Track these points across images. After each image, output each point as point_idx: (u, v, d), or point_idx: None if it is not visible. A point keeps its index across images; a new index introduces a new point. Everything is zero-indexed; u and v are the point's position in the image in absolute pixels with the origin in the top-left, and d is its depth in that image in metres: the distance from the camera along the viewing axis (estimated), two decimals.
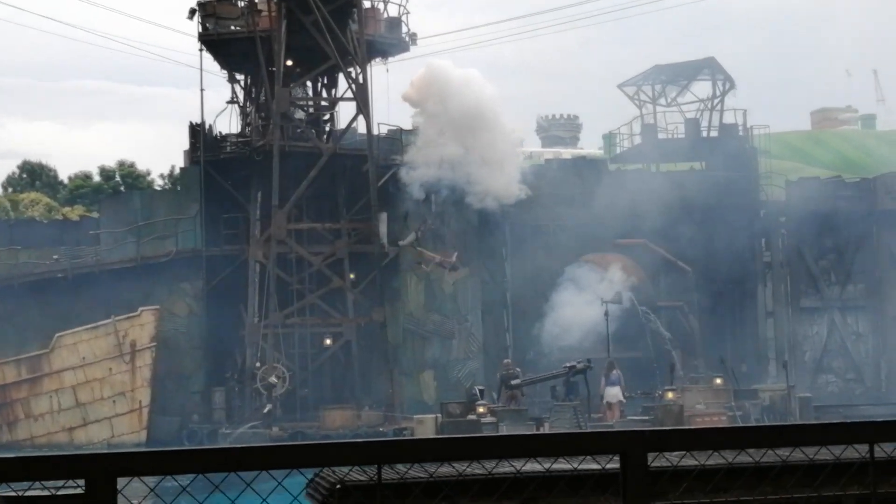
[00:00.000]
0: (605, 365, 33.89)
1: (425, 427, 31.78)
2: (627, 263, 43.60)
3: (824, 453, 4.66)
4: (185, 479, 3.56)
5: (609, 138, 57.40)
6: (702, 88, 50.50)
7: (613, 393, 33.11)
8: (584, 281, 41.19)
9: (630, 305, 40.99)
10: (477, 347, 42.65)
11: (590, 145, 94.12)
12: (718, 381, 35.62)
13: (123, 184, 63.20)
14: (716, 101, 49.36)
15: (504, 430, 29.09)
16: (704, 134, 48.71)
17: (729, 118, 48.89)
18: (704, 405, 33.26)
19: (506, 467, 4.51)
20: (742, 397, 34.84)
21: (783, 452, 4.49)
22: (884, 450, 4.24)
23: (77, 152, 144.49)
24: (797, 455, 4.24)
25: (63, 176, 70.41)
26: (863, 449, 4.17)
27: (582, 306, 39.61)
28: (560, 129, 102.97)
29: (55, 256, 42.33)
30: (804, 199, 44.58)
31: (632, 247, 44.18)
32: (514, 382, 34.68)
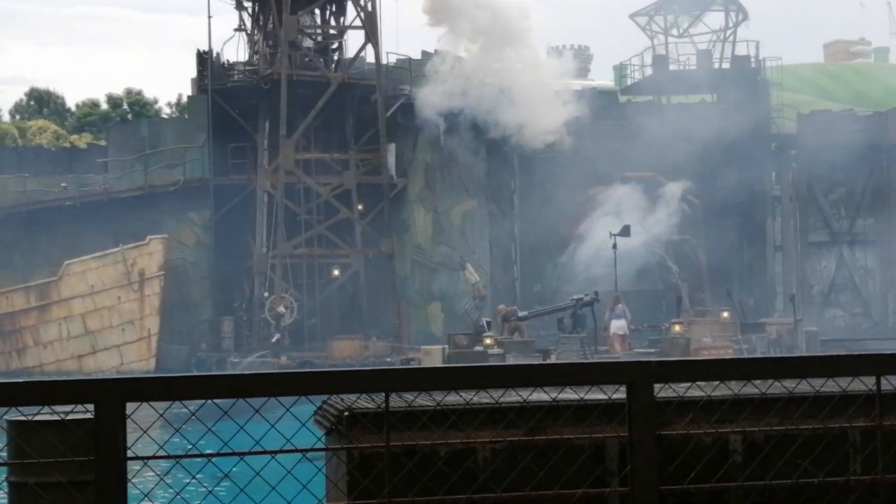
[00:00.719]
0: (611, 298, 33.98)
1: (432, 358, 31.99)
2: (635, 196, 43.47)
3: (831, 386, 4.68)
4: (193, 406, 3.58)
5: (620, 69, 56.94)
6: (714, 19, 50.04)
7: (619, 325, 33.21)
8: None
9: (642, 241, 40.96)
10: (485, 280, 42.74)
11: (601, 77, 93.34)
12: (725, 314, 35.75)
13: (131, 112, 63.00)
14: (728, 32, 48.91)
15: (511, 361, 29.24)
16: (717, 66, 48.32)
17: (741, 50, 48.51)
18: (711, 338, 33.41)
19: (512, 397, 4.53)
20: (749, 331, 34.98)
21: (789, 384, 4.50)
22: (891, 382, 4.25)
23: (85, 79, 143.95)
24: (803, 387, 4.26)
25: (71, 103, 70.25)
26: (869, 382, 4.18)
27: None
28: (571, 59, 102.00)
29: (63, 184, 42.36)
30: (816, 133, 44.30)
31: (641, 179, 44.03)
32: (521, 314, 34.80)
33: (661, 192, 44.11)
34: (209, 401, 3.47)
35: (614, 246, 37.20)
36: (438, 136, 42.07)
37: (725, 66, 48.15)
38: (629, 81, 52.06)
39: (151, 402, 3.42)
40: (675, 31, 50.38)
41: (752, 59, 48.11)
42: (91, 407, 3.30)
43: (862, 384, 4.54)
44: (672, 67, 49.10)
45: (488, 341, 32.31)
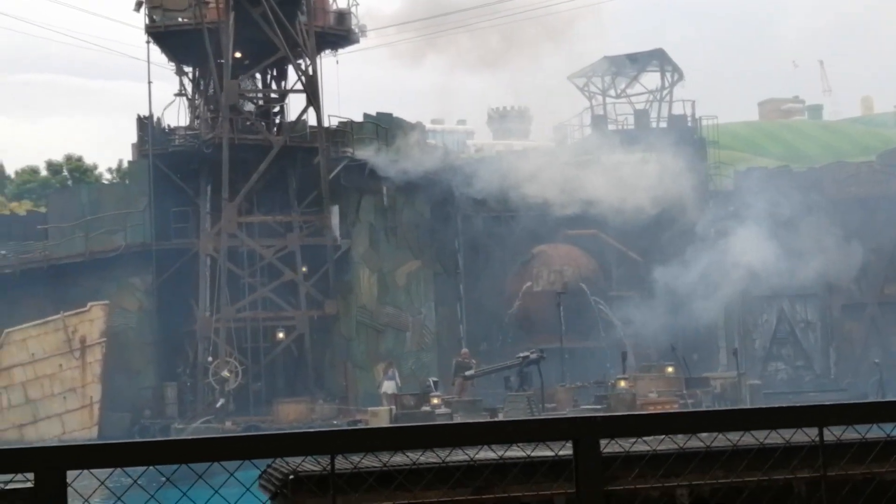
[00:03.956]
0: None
1: (379, 419, 31.77)
2: (579, 254, 43.87)
3: (775, 437, 4.71)
4: (135, 473, 3.52)
5: (560, 130, 57.60)
6: (651, 80, 50.88)
7: (389, 385, 36.91)
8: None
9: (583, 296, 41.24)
10: (431, 339, 42.71)
11: (541, 137, 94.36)
12: (670, 369, 35.95)
13: (71, 178, 62.49)
14: (665, 92, 49.75)
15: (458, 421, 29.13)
16: (654, 125, 49.05)
17: (678, 109, 49.32)
18: (657, 393, 33.56)
19: (460, 455, 4.51)
20: (693, 385, 35.18)
21: (734, 437, 4.53)
22: (833, 433, 4.29)
23: (24, 146, 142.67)
24: (748, 439, 4.29)
25: (10, 170, 69.53)
26: (812, 433, 4.22)
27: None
28: (511, 121, 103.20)
29: (2, 252, 41.82)
30: (752, 190, 45.00)
31: (582, 237, 44.43)
32: (468, 373, 34.79)
33: (603, 249, 44.54)
34: (151, 467, 3.42)
35: (559, 305, 37.45)
36: (382, 198, 42.26)
37: (663, 125, 48.91)
38: (569, 141, 52.65)
39: (92, 470, 3.37)
40: (612, 92, 51.16)
41: (689, 118, 48.94)
42: (31, 476, 3.24)
43: (805, 435, 4.58)
44: (610, 127, 49.78)
45: (435, 401, 32.21)
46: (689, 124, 48.75)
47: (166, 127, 43.67)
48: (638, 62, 50.23)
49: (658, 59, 49.75)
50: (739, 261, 42.18)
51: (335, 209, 41.96)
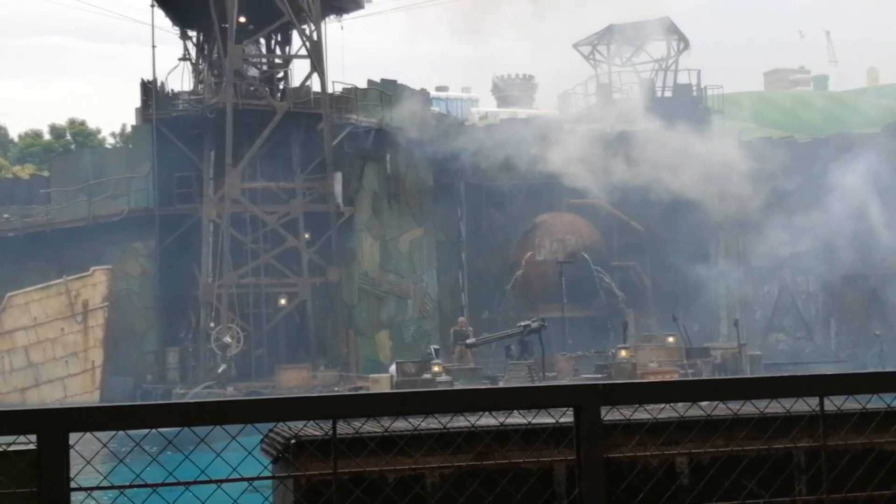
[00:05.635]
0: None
1: (380, 386, 31.88)
2: (581, 223, 43.85)
3: (775, 407, 4.72)
4: (137, 437, 3.54)
5: (564, 98, 57.43)
6: (657, 48, 50.66)
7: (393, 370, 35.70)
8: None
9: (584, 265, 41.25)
10: (432, 307, 42.78)
11: (545, 105, 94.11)
12: (671, 339, 36.02)
13: (74, 142, 62.41)
14: (670, 61, 49.54)
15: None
16: (659, 94, 48.88)
17: (683, 78, 49.13)
18: (657, 363, 33.64)
19: (461, 422, 4.53)
20: (694, 355, 35.25)
21: (734, 406, 4.54)
22: (833, 402, 4.31)
23: (29, 110, 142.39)
24: (748, 409, 4.30)
25: (13, 134, 69.45)
26: (813, 403, 4.23)
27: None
28: (515, 89, 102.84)
29: (5, 215, 41.80)
30: (756, 159, 44.89)
31: (585, 206, 44.40)
32: (469, 341, 34.86)
33: (604, 218, 44.51)
34: (153, 430, 3.43)
35: (561, 274, 37.48)
36: (385, 165, 42.22)
37: (668, 94, 48.75)
38: (574, 110, 52.51)
39: (95, 433, 3.38)
40: (617, 61, 50.96)
41: (694, 88, 48.75)
42: (34, 438, 3.26)
43: (805, 405, 4.59)
44: (615, 96, 49.62)
45: (436, 368, 32.31)
46: (695, 94, 48.57)
47: (170, 91, 43.56)
48: (644, 31, 49.99)
49: (664, 27, 49.51)
50: None
51: (338, 176, 41.91)
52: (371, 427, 4.39)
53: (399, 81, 44.77)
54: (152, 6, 42.08)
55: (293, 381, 37.53)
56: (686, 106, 46.85)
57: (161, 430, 3.45)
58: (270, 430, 4.61)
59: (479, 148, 43.17)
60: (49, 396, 38.99)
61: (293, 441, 4.36)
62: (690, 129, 43.96)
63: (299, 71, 50.53)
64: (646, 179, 42.12)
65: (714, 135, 46.20)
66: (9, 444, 3.87)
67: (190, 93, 43.54)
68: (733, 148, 44.89)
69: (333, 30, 50.86)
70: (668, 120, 45.41)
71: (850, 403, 4.67)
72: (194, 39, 44.38)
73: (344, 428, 4.37)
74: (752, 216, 44.67)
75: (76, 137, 63.54)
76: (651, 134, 45.01)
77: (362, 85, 43.94)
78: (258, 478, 3.81)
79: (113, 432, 3.44)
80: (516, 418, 4.50)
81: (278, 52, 45.27)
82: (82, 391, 39.13)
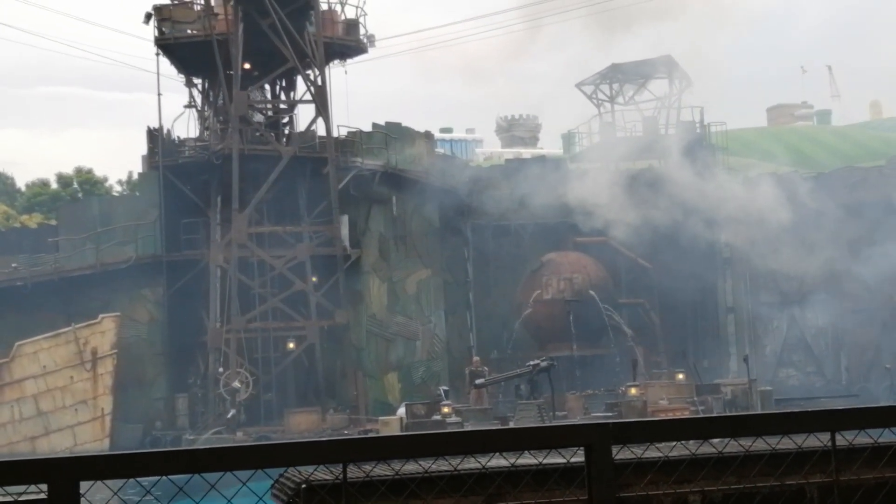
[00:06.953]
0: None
1: (390, 428, 31.77)
2: (588, 261, 43.83)
3: (787, 443, 4.70)
4: (148, 485, 3.53)
5: (568, 137, 57.60)
6: (659, 86, 50.81)
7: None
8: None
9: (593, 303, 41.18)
10: (441, 348, 42.70)
11: (550, 145, 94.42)
12: (681, 376, 35.88)
13: (81, 190, 62.65)
14: (673, 98, 49.69)
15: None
16: (662, 131, 48.99)
17: (686, 115, 49.23)
18: (667, 400, 33.49)
19: (471, 463, 4.51)
20: (704, 392, 35.10)
21: (746, 443, 4.52)
22: (845, 438, 4.29)
23: (36, 159, 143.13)
24: (759, 445, 4.28)
25: (20, 183, 69.77)
26: (824, 438, 4.21)
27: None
28: (520, 129, 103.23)
29: (14, 265, 41.90)
30: (761, 195, 44.89)
31: (593, 245, 44.40)
32: (478, 382, 34.76)
33: (613, 257, 44.48)
34: (164, 477, 3.43)
35: (569, 313, 37.44)
36: (391, 207, 42.31)
37: (671, 131, 48.84)
38: (578, 149, 52.62)
39: (105, 481, 3.37)
40: (620, 99, 51.13)
41: (697, 125, 48.86)
42: (44, 487, 3.25)
43: (817, 440, 4.57)
44: (619, 134, 49.73)
45: (446, 410, 32.19)
46: (698, 131, 48.66)
47: (176, 138, 43.77)
48: (646, 69, 50.18)
49: (666, 65, 49.68)
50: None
51: (345, 219, 42.00)
52: (382, 470, 4.37)
53: (403, 124, 44.96)
54: (157, 54, 42.38)
55: (303, 424, 37.41)
56: (690, 143, 46.88)
57: (171, 476, 3.44)
58: (281, 475, 4.60)
59: (484, 188, 43.27)
60: (59, 445, 38.87)
61: (304, 486, 4.35)
62: (699, 167, 44.04)
63: (304, 115, 50.89)
64: (657, 217, 42.18)
65: (718, 172, 46.25)
66: (20, 494, 3.87)
67: (196, 139, 43.75)
68: (738, 184, 44.94)
69: (337, 74, 51.37)
70: (671, 157, 45.52)
71: (862, 438, 4.65)
72: (199, 86, 44.64)
73: (354, 471, 4.35)
74: (762, 251, 44.59)
75: (83, 186, 63.80)
76: (658, 172, 45.11)
77: (367, 128, 44.13)
78: None
79: (123, 480, 3.43)
80: (527, 459, 4.49)
81: (283, 97, 45.51)
82: (92, 439, 39.03)
